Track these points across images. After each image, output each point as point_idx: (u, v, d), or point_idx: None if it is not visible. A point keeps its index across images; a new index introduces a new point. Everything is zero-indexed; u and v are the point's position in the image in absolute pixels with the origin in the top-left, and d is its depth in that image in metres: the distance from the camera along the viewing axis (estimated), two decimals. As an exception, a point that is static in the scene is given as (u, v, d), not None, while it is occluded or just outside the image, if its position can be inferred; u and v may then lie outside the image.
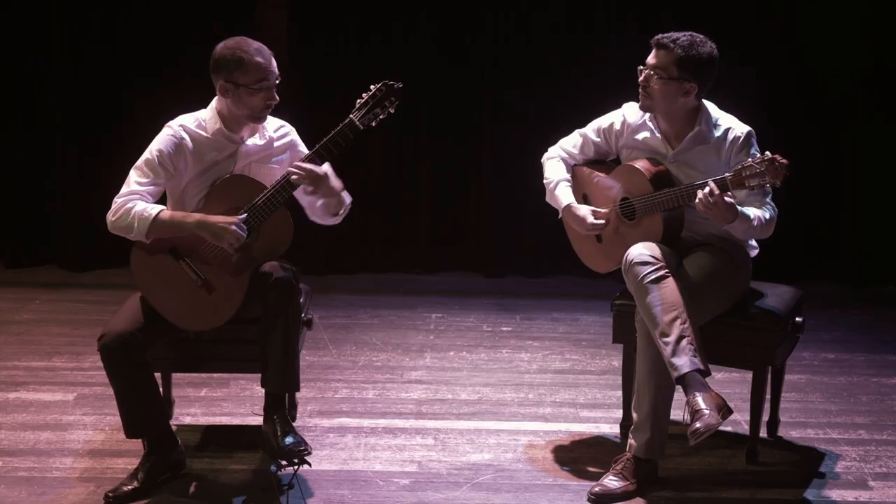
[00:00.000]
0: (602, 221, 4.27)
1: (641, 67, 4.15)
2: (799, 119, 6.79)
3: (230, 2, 6.78)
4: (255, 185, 4.05)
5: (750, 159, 3.87)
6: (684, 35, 4.08)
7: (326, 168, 4.05)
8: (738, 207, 3.95)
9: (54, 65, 6.80)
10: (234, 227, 3.93)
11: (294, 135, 4.26)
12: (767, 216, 4.06)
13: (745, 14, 6.72)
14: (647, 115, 4.23)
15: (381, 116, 4.06)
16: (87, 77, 6.82)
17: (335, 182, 4.12)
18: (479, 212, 7.05)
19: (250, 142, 4.12)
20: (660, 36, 4.12)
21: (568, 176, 4.40)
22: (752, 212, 4.02)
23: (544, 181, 4.44)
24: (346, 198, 4.22)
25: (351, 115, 4.03)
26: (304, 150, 4.22)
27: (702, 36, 4.11)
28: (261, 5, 6.86)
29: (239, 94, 4.00)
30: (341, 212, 4.23)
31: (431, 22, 6.81)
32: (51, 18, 6.76)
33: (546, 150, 4.48)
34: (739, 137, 4.10)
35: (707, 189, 3.89)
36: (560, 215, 4.42)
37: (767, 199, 4.09)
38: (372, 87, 4.06)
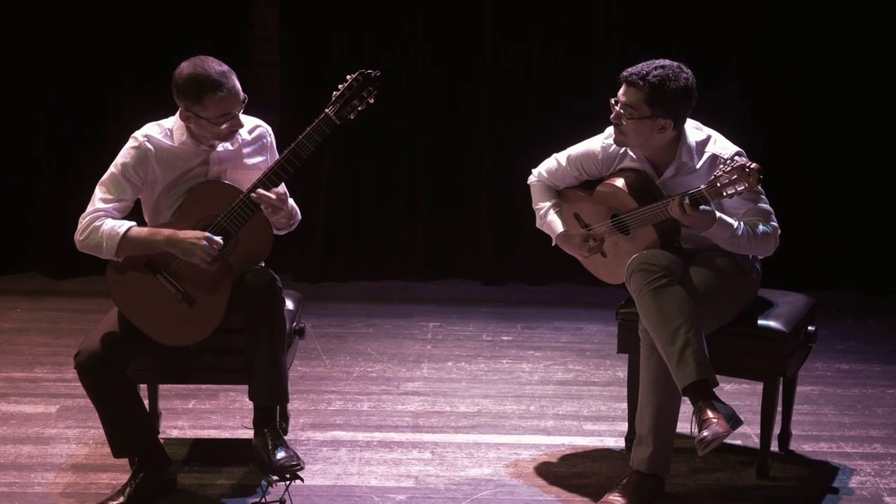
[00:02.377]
0: (597, 244, 4.31)
1: (613, 101, 4.11)
2: (812, 123, 6.80)
3: (225, 3, 6.80)
4: (231, 189, 4.02)
5: (720, 168, 3.90)
6: (654, 69, 4.02)
7: (282, 190, 4.05)
8: (719, 214, 3.98)
9: (38, 70, 6.81)
10: (203, 243, 3.91)
11: (269, 136, 4.23)
12: (760, 230, 4.06)
13: (750, 21, 6.75)
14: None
15: (359, 108, 4.03)
16: (73, 82, 6.82)
17: (290, 202, 4.14)
18: (477, 217, 7.05)
19: (221, 147, 4.09)
20: (628, 71, 4.07)
21: (555, 200, 4.43)
22: (737, 223, 4.04)
23: (534, 207, 4.48)
24: (297, 215, 4.23)
25: (326, 110, 4.00)
26: (276, 154, 4.21)
27: (675, 65, 4.05)
28: (253, 3, 6.88)
29: (200, 123, 3.99)
30: (287, 228, 4.21)
31: (429, 24, 6.81)
32: (34, 23, 6.76)
33: (538, 161, 4.49)
34: (724, 161, 4.06)
35: (678, 201, 3.93)
36: (553, 242, 4.45)
37: (772, 220, 4.11)
38: (348, 77, 4.04)
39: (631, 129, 4.08)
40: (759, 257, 4.26)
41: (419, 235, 7.08)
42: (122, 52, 6.79)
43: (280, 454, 3.94)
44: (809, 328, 4.37)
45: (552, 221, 4.41)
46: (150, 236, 3.96)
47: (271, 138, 4.24)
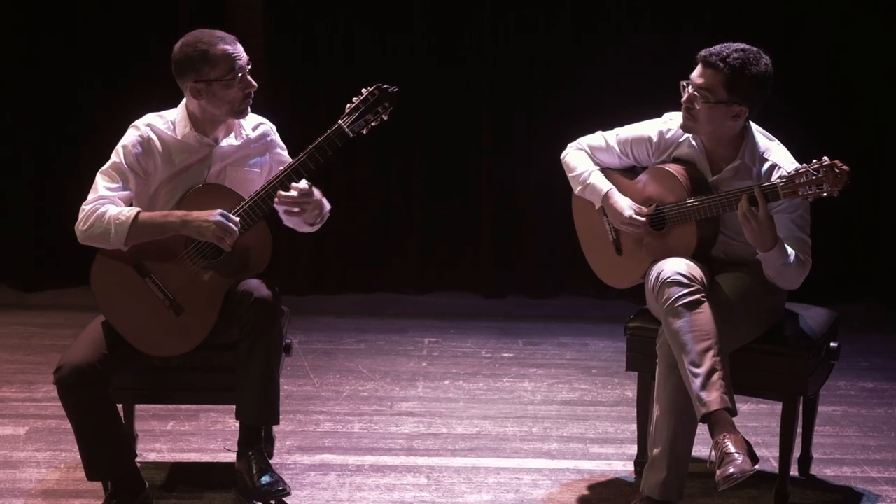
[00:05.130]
0: (643, 220, 4.21)
1: (684, 84, 4.10)
2: (832, 128, 6.78)
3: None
4: (231, 195, 4.05)
5: (805, 164, 3.86)
6: (735, 51, 4.01)
7: (305, 185, 4.06)
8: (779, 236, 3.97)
9: (3, 71, 6.81)
10: (217, 217, 3.92)
11: (274, 134, 4.29)
12: (802, 262, 4.06)
13: (773, 17, 6.75)
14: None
15: (372, 123, 4.09)
16: (42, 80, 6.81)
17: (316, 193, 4.14)
18: (476, 224, 7.05)
19: (225, 143, 4.15)
20: (707, 52, 4.05)
21: (598, 167, 4.37)
22: (791, 250, 4.03)
23: (571, 175, 4.40)
24: (326, 205, 4.25)
25: (340, 121, 4.06)
26: (283, 151, 4.27)
27: (755, 50, 4.04)
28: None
29: (213, 91, 4.02)
30: (319, 221, 4.25)
31: (424, 18, 6.82)
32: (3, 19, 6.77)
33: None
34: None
35: (749, 196, 3.89)
36: (598, 205, 4.34)
37: (808, 252, 4.09)
38: (364, 90, 4.09)
39: (704, 113, 4.06)
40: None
41: (414, 244, 7.08)
42: (95, 44, 6.77)
43: (265, 479, 3.95)
44: (831, 344, 4.37)
45: (597, 182, 4.31)
46: (163, 219, 3.98)
47: (275, 136, 4.30)
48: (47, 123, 6.87)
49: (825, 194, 3.81)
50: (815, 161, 3.83)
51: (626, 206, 4.24)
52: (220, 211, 3.95)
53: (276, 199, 4.01)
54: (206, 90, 4.02)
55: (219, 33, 4.06)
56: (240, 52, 4.07)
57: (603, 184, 4.31)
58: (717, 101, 4.03)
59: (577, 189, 4.40)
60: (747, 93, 4.02)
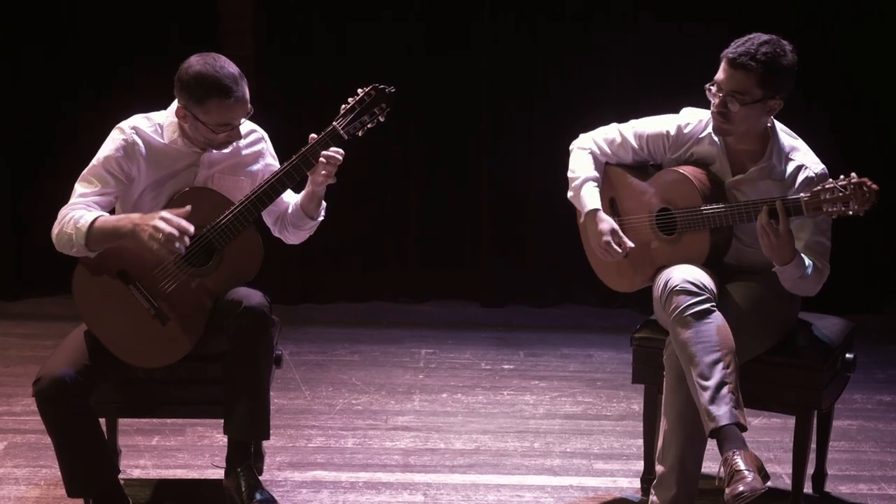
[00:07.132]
0: (624, 250, 4.23)
1: (712, 88, 4.07)
2: (856, 130, 6.79)
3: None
4: (220, 200, 4.05)
5: (832, 181, 3.84)
6: (762, 45, 3.98)
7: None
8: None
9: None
10: (156, 222, 3.82)
11: (266, 143, 4.28)
12: (819, 270, 4.06)
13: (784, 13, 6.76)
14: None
15: (369, 125, 4.09)
16: (24, 85, 6.80)
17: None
18: (476, 229, 7.05)
19: (214, 150, 4.14)
20: (733, 52, 4.01)
21: (597, 174, 4.37)
22: (808, 261, 4.04)
23: (569, 174, 4.41)
24: (323, 204, 4.26)
25: (334, 123, 4.06)
26: (274, 161, 4.26)
27: (776, 39, 4.03)
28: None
29: (197, 126, 4.01)
30: (318, 216, 4.24)
31: (422, 17, 6.82)
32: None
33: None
34: (812, 178, 4.05)
35: (770, 209, 3.89)
36: (581, 219, 4.38)
37: (827, 259, 4.10)
38: (360, 90, 4.08)
39: (742, 115, 4.04)
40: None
41: (410, 250, 7.08)
42: (78, 51, 6.77)
43: (255, 497, 3.94)
44: (847, 355, 4.37)
45: (587, 196, 4.32)
46: (115, 224, 3.92)
47: (268, 145, 4.28)
48: (26, 131, 6.86)
49: (851, 213, 3.81)
50: (842, 177, 3.83)
51: (603, 230, 4.26)
52: (161, 214, 3.86)
53: (322, 159, 4.02)
54: (192, 121, 4.01)
55: (227, 81, 3.93)
56: (237, 111, 3.99)
57: (590, 201, 4.32)
58: (754, 100, 4.02)
59: (568, 193, 4.41)
60: (780, 85, 4.03)
